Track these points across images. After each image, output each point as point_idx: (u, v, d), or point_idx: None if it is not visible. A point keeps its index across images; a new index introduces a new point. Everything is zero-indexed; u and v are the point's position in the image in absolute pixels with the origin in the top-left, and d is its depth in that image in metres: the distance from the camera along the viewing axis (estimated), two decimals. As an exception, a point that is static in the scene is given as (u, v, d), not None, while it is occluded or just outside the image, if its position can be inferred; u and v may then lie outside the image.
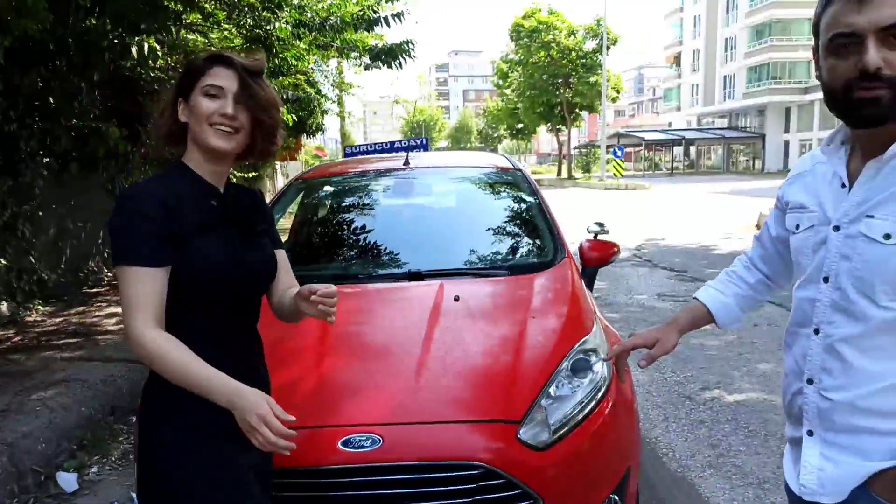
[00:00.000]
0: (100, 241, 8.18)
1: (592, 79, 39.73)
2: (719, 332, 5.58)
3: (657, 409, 4.13)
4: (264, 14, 6.70)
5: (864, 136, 1.26)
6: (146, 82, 7.76)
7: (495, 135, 66.68)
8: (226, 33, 7.49)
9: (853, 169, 1.29)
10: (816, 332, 1.30)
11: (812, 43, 1.31)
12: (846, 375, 1.26)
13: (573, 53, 40.47)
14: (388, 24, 7.78)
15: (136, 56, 4.76)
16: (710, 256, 9.75)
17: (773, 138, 46.16)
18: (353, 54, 8.10)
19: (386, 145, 4.41)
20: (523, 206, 3.67)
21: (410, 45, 7.81)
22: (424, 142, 4.42)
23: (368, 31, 7.95)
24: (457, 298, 2.60)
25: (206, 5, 6.39)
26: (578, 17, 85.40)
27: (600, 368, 2.28)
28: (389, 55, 7.70)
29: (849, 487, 1.26)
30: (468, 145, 73.00)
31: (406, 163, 3.78)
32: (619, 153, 34.62)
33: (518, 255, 3.27)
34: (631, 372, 2.60)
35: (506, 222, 3.59)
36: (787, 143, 44.90)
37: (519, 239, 3.47)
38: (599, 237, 3.56)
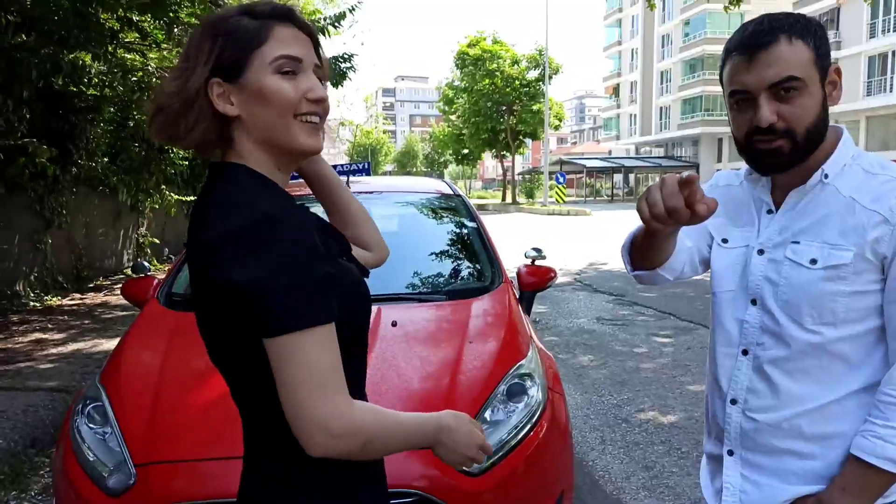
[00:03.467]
0: (24, 265, 7.81)
1: (535, 107, 40.63)
2: (655, 356, 5.73)
3: (594, 431, 4.19)
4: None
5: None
6: (81, 99, 7.55)
7: (441, 160, 67.18)
8: (165, 52, 7.37)
9: (776, 197, 1.34)
10: (745, 353, 1.33)
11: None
12: (773, 397, 1.29)
13: (517, 82, 41.33)
14: (328, 35, 7.87)
15: (67, 71, 4.63)
16: (647, 281, 10.03)
17: (706, 167, 48.09)
18: None
19: (327, 169, 4.39)
20: (463, 231, 3.71)
21: (348, 56, 7.90)
22: (366, 166, 4.42)
23: None
24: (394, 324, 2.60)
25: (145, 25, 6.28)
26: (521, 47, 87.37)
27: (535, 392, 2.31)
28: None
29: None
30: (414, 170, 73.23)
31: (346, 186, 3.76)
32: (561, 180, 35.46)
33: (457, 281, 3.30)
34: (565, 395, 2.65)
35: (446, 247, 3.61)
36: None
37: (458, 264, 3.51)
38: (537, 262, 3.62)
